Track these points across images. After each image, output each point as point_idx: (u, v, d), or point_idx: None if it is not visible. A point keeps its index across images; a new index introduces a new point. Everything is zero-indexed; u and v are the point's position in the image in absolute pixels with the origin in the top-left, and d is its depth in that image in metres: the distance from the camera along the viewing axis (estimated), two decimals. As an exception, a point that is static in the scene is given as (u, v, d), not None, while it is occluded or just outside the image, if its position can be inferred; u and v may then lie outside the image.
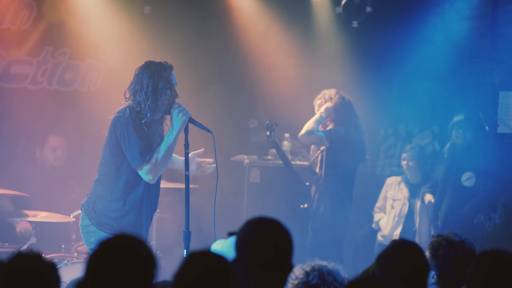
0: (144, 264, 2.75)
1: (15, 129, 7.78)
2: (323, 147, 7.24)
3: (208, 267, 2.79)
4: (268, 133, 7.22)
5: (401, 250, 3.44)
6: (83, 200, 5.53)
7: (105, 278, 2.71)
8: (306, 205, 7.26)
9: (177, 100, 5.40)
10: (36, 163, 7.62)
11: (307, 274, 3.70)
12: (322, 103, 7.25)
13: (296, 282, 3.70)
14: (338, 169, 7.13)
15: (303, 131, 7.16)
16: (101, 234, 5.26)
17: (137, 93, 5.33)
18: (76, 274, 4.50)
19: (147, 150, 5.29)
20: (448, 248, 4.09)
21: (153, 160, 5.29)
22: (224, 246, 3.49)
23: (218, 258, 2.84)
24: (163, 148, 5.31)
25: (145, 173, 5.31)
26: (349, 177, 7.24)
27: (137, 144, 5.26)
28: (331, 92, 7.27)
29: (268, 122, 7.28)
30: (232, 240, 3.33)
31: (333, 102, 7.20)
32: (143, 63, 5.41)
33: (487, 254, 3.18)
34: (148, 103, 5.29)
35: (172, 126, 5.33)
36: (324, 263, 3.72)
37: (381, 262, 3.41)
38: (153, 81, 5.30)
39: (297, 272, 3.72)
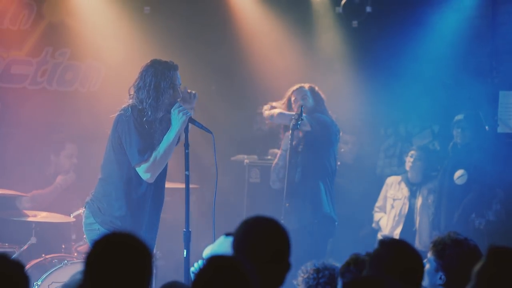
0: (140, 259, 2.79)
1: (14, 129, 7.77)
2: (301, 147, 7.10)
3: (226, 269, 2.80)
4: (297, 121, 6.76)
5: (395, 250, 3.42)
6: (87, 198, 5.54)
7: (104, 277, 2.74)
8: (287, 204, 7.08)
9: (178, 100, 5.42)
10: (35, 164, 7.61)
11: (317, 271, 3.70)
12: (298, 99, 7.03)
13: (305, 275, 3.71)
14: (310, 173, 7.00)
15: (276, 111, 6.92)
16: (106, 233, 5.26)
17: (140, 91, 5.36)
18: (76, 274, 4.51)
19: (146, 148, 5.30)
20: (454, 246, 4.08)
21: (152, 159, 5.30)
22: (220, 246, 3.49)
23: (236, 261, 2.85)
24: (162, 147, 5.33)
25: (143, 172, 5.32)
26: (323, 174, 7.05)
27: (137, 142, 5.28)
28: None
29: (299, 110, 6.83)
30: (227, 239, 3.34)
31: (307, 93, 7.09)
32: (149, 61, 5.43)
33: (497, 251, 3.15)
34: (149, 101, 5.31)
35: (172, 125, 5.34)
36: (337, 264, 3.72)
37: (375, 263, 3.38)
38: (156, 80, 5.32)
39: (309, 267, 3.73)
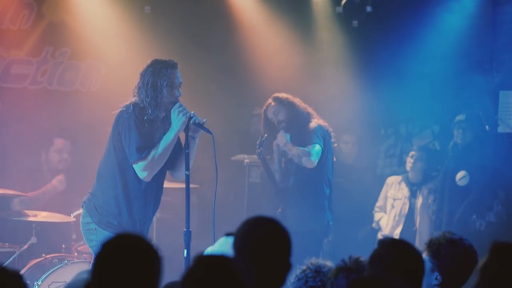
0: (149, 261, 2.78)
1: (14, 129, 7.77)
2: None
3: (214, 267, 2.79)
4: (259, 149, 6.94)
5: (396, 250, 3.41)
6: (84, 197, 5.55)
7: (112, 278, 2.73)
8: (280, 210, 7.07)
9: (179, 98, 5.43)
10: (34, 163, 7.61)
11: (303, 270, 3.70)
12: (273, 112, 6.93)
13: (293, 280, 3.71)
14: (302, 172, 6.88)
15: (307, 156, 6.72)
16: (103, 233, 5.29)
17: (140, 90, 5.40)
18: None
19: (145, 146, 5.31)
20: (450, 246, 4.08)
21: (150, 157, 5.31)
22: (221, 246, 3.49)
23: (225, 259, 2.84)
24: (160, 147, 5.34)
25: (140, 170, 5.33)
26: (315, 177, 6.92)
27: (136, 140, 5.29)
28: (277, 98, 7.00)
29: (259, 140, 6.94)
30: (228, 240, 3.34)
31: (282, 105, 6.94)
32: (150, 61, 5.46)
33: (500, 247, 3.12)
34: (148, 100, 5.34)
35: (171, 126, 5.35)
36: (322, 261, 3.72)
37: (375, 263, 3.37)
38: (154, 78, 5.35)
39: (298, 270, 3.73)
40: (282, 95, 6.99)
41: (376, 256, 3.40)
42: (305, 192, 6.91)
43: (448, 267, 4.04)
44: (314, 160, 6.76)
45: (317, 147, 6.79)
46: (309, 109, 7.01)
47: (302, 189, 6.92)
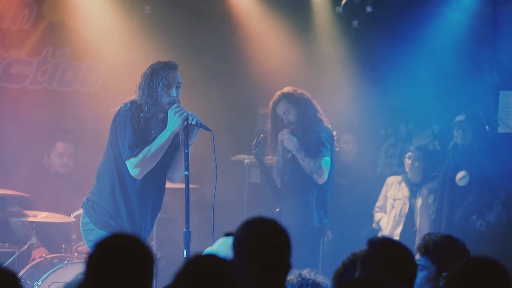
0: (142, 261, 2.78)
1: (14, 129, 7.77)
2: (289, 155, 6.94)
3: (206, 267, 2.79)
4: (255, 150, 6.97)
5: (387, 250, 3.40)
6: (84, 198, 5.57)
7: (105, 278, 2.73)
8: (278, 209, 7.03)
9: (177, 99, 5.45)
10: (34, 164, 7.60)
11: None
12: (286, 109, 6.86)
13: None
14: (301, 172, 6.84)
15: (319, 174, 6.70)
16: (100, 233, 5.30)
17: (138, 89, 5.45)
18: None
19: (138, 144, 5.33)
20: (450, 245, 4.08)
21: (141, 155, 5.32)
22: (220, 247, 3.49)
23: (216, 259, 2.84)
24: (154, 145, 5.35)
25: (132, 166, 5.34)
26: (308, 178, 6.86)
27: (130, 137, 5.32)
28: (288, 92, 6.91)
29: (256, 140, 6.99)
30: (228, 240, 3.34)
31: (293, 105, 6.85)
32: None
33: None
34: (144, 98, 5.39)
35: (167, 125, 5.37)
36: (304, 271, 3.72)
37: (366, 263, 3.37)
38: (151, 78, 5.41)
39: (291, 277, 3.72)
40: (296, 92, 6.88)
41: (367, 256, 3.40)
42: (298, 193, 6.89)
43: (452, 265, 4.04)
44: (326, 176, 6.78)
45: (327, 160, 6.78)
46: (318, 107, 6.96)
47: (296, 190, 6.90)
